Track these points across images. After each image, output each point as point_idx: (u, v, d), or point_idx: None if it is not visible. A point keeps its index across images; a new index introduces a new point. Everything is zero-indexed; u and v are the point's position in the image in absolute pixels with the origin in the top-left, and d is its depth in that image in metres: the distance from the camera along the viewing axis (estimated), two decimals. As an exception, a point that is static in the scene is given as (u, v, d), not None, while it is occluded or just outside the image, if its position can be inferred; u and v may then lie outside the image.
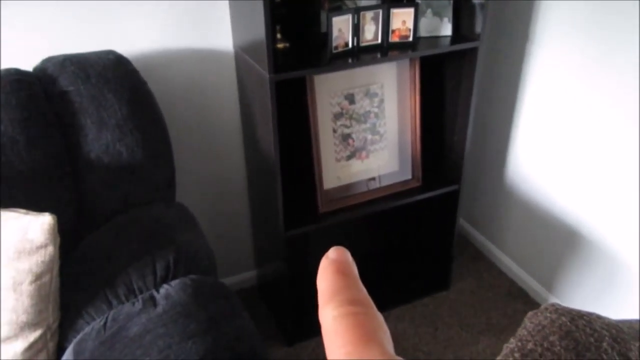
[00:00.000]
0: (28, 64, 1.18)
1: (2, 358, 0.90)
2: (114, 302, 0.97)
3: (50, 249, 0.91)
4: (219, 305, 0.96)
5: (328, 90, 1.44)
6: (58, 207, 1.07)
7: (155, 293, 0.97)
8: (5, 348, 0.90)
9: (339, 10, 1.38)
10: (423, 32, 1.46)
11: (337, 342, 0.18)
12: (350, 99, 1.48)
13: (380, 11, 1.34)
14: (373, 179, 1.58)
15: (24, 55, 1.25)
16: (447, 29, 1.46)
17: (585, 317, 0.23)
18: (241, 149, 1.65)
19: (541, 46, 1.59)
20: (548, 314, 0.24)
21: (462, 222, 2.15)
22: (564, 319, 0.23)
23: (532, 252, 1.82)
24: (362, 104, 1.50)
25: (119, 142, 1.13)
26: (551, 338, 0.22)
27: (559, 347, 0.22)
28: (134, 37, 1.36)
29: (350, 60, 1.34)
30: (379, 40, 1.37)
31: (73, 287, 0.99)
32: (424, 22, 1.45)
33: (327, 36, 1.29)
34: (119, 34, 1.34)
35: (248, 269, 1.88)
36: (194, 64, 1.46)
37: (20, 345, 0.91)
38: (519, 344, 0.22)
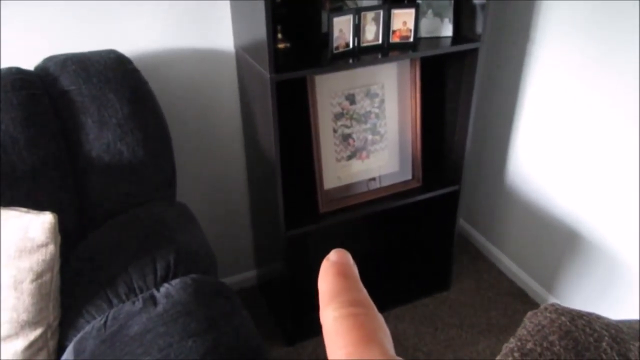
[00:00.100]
0: (29, 63, 1.18)
1: (3, 356, 0.90)
2: (115, 301, 0.97)
3: (51, 248, 0.92)
4: (219, 305, 0.96)
5: (329, 90, 1.44)
6: (59, 206, 1.08)
7: (155, 292, 0.97)
8: (6, 347, 0.90)
9: (340, 10, 1.38)
10: (424, 33, 1.46)
11: (338, 342, 0.19)
12: (351, 99, 1.48)
13: (381, 12, 1.34)
14: (373, 179, 1.58)
15: (25, 54, 1.25)
16: (447, 30, 1.46)
17: (584, 317, 0.23)
18: (242, 148, 1.65)
19: (541, 46, 1.59)
20: (548, 314, 0.24)
21: (462, 223, 2.15)
22: (563, 318, 0.23)
23: (532, 253, 1.82)
24: (363, 104, 1.50)
25: (120, 142, 1.13)
26: (551, 338, 0.22)
27: (558, 347, 0.22)
28: (135, 36, 1.36)
29: (350, 61, 1.34)
30: (380, 41, 1.37)
31: (74, 286, 1.00)
32: (424, 23, 1.45)
33: (327, 36, 1.29)
34: (120, 34, 1.34)
35: (248, 268, 1.88)
36: (194, 63, 1.46)
37: (20, 343, 0.91)
38: (519, 343, 0.22)
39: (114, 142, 1.13)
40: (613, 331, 0.22)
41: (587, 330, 0.22)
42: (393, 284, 1.88)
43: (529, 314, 0.25)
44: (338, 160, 1.52)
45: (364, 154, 1.55)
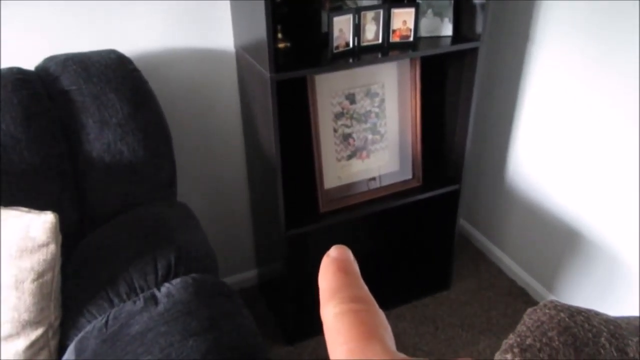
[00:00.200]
0: (30, 63, 1.19)
1: (4, 356, 0.91)
2: (116, 300, 0.97)
3: (52, 248, 0.92)
4: (220, 304, 0.96)
5: (329, 90, 1.44)
6: (60, 205, 1.08)
7: (156, 292, 0.97)
8: (7, 346, 0.90)
9: (340, 10, 1.38)
10: (424, 32, 1.46)
11: (339, 339, 0.19)
12: (351, 98, 1.48)
13: (381, 11, 1.34)
14: (373, 178, 1.58)
15: (26, 54, 1.25)
16: (447, 29, 1.47)
17: (583, 314, 0.23)
18: (242, 148, 1.65)
19: (541, 46, 1.59)
20: (547, 311, 0.24)
21: (463, 222, 2.15)
22: (562, 315, 0.23)
23: (532, 252, 1.82)
24: (363, 104, 1.50)
25: (121, 141, 1.14)
26: (550, 334, 0.22)
27: (557, 343, 0.22)
28: (136, 36, 1.36)
29: (351, 60, 1.34)
30: (380, 40, 1.37)
31: (75, 286, 1.00)
32: (424, 22, 1.45)
33: (328, 36, 1.30)
34: (121, 34, 1.34)
35: (249, 268, 1.88)
36: (195, 63, 1.46)
37: (22, 343, 0.91)
38: (518, 339, 0.23)
39: (115, 142, 1.13)
40: (611, 327, 0.22)
41: (586, 326, 0.22)
42: (393, 284, 1.88)
43: (529, 310, 0.25)
44: (338, 159, 1.52)
45: (364, 153, 1.55)
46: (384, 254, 2.00)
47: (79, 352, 0.90)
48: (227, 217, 1.75)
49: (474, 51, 1.45)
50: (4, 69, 1.11)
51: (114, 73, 1.15)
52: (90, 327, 0.93)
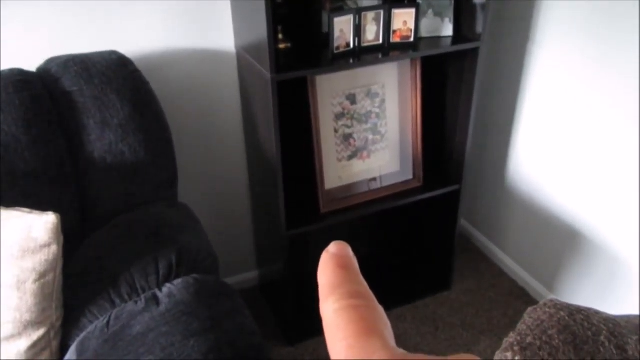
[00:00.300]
0: (31, 65, 1.19)
1: (6, 356, 0.91)
2: (117, 301, 0.98)
3: (53, 248, 0.92)
4: (221, 304, 0.96)
5: (329, 90, 1.44)
6: (61, 206, 1.08)
7: (158, 292, 0.97)
8: (9, 346, 0.90)
9: (341, 10, 1.38)
10: (424, 33, 1.46)
11: (339, 335, 0.18)
12: (352, 99, 1.48)
13: (382, 12, 1.34)
14: (374, 179, 1.58)
15: (27, 55, 1.25)
16: (448, 30, 1.47)
17: (583, 312, 0.23)
18: (243, 148, 1.66)
19: (542, 46, 1.59)
20: (547, 309, 0.24)
21: (463, 222, 2.15)
22: (562, 313, 0.23)
23: (533, 252, 1.82)
24: (364, 104, 1.50)
25: (122, 142, 1.14)
26: (550, 332, 0.22)
27: (557, 341, 0.22)
28: (137, 37, 1.37)
29: (351, 61, 1.34)
30: (380, 41, 1.37)
31: (76, 286, 1.00)
32: (425, 23, 1.45)
33: (328, 36, 1.30)
34: (122, 35, 1.35)
35: (249, 269, 1.89)
36: (196, 64, 1.47)
37: (24, 343, 0.91)
38: (518, 337, 0.23)
39: (116, 143, 1.13)
40: (611, 325, 0.22)
41: (586, 324, 0.23)
42: (394, 284, 1.88)
43: (529, 309, 0.25)
44: (339, 160, 1.52)
45: (365, 153, 1.55)
46: (384, 254, 2.00)
47: (80, 353, 0.90)
48: (228, 217, 1.75)
49: (474, 51, 1.45)
50: (5, 71, 1.11)
51: (115, 74, 1.16)
52: (92, 328, 0.94)
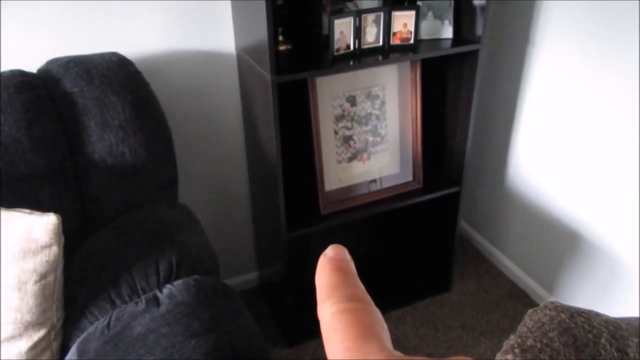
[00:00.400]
0: (32, 66, 1.19)
1: (7, 357, 0.91)
2: (118, 302, 0.98)
3: (54, 249, 0.92)
4: (221, 305, 0.97)
5: (330, 92, 1.44)
6: (62, 207, 1.08)
7: (158, 293, 0.97)
8: (9, 347, 0.91)
9: (341, 12, 1.39)
10: (424, 35, 1.46)
11: (336, 338, 0.19)
12: (352, 101, 1.49)
13: (382, 14, 1.34)
14: (374, 180, 1.59)
15: (28, 57, 1.25)
16: (448, 32, 1.47)
17: (584, 314, 0.24)
18: (243, 150, 1.66)
19: (541, 47, 1.59)
20: (547, 311, 0.24)
21: (463, 224, 2.15)
22: (563, 315, 0.23)
23: (533, 254, 1.82)
24: (364, 106, 1.51)
25: (122, 143, 1.14)
26: (550, 334, 0.23)
27: (558, 343, 0.22)
28: (137, 39, 1.37)
29: (351, 63, 1.34)
30: (380, 43, 1.38)
31: (77, 287, 1.00)
32: (425, 25, 1.46)
33: (328, 38, 1.30)
34: (122, 36, 1.35)
35: (250, 270, 1.89)
36: (196, 65, 1.47)
37: (24, 344, 0.91)
38: (519, 340, 0.23)
39: (116, 144, 1.14)
40: (612, 327, 0.23)
41: (586, 326, 0.23)
42: (394, 286, 1.88)
43: (530, 311, 0.25)
44: (339, 161, 1.52)
45: (365, 155, 1.55)
46: (384, 256, 2.00)
47: (81, 353, 0.90)
48: (228, 218, 1.75)
49: (474, 53, 1.46)
50: (6, 72, 1.12)
51: (115, 75, 1.16)
52: (93, 329, 0.94)
